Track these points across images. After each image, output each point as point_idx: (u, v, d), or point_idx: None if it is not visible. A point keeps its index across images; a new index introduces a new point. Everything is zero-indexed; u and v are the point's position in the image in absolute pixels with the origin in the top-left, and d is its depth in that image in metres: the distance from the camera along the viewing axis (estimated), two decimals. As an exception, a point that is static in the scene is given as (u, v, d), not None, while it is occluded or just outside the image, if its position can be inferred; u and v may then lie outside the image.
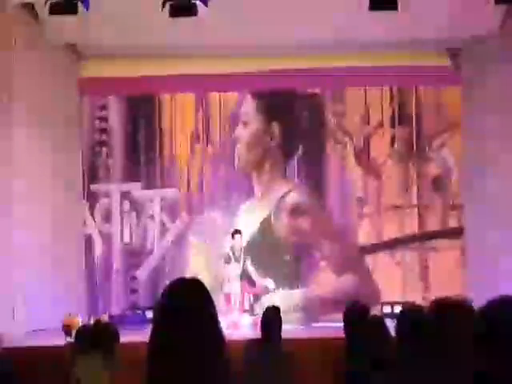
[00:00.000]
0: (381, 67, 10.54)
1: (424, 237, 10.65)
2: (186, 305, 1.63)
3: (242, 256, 9.70)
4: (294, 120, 10.80)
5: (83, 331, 4.99)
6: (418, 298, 9.84)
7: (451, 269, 10.38)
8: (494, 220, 9.66)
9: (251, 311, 9.53)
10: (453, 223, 10.66)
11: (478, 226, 10.00)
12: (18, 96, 8.91)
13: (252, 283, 9.89)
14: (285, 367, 4.65)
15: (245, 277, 9.67)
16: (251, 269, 9.84)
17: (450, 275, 10.24)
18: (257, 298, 9.76)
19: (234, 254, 9.72)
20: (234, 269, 9.63)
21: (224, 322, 8.76)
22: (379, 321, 3.94)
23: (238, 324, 9.17)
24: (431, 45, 10.25)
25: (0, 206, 8.55)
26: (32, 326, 8.73)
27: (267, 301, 8.81)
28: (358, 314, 4.17)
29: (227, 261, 9.71)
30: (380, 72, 10.54)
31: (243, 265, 9.67)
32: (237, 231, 9.78)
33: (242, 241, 9.76)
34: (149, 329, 1.80)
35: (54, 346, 7.01)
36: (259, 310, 8.89)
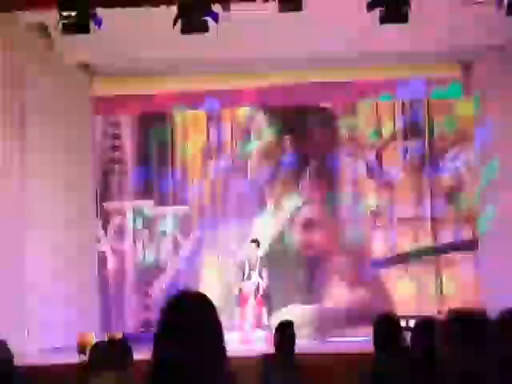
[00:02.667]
0: (392, 80, 10.55)
1: (438, 249, 10.59)
2: (186, 317, 1.62)
3: (259, 266, 9.68)
4: (306, 133, 10.81)
5: (97, 348, 4.98)
6: (432, 311, 9.75)
7: (466, 281, 10.31)
8: (508, 232, 9.58)
9: (265, 326, 9.49)
10: (467, 235, 10.60)
11: (492, 238, 9.92)
12: (32, 114, 8.98)
13: (266, 297, 9.84)
14: (298, 382, 4.62)
15: (259, 291, 9.66)
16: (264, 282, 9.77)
17: (464, 288, 10.17)
18: (270, 312, 9.72)
19: (249, 264, 9.71)
20: (249, 283, 9.62)
21: (237, 337, 8.76)
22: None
23: (251, 339, 9.14)
24: (443, 57, 10.24)
25: (13, 225, 8.58)
26: (45, 344, 8.74)
27: (280, 315, 8.77)
28: (390, 326, 4.07)
29: (241, 269, 9.72)
30: (391, 84, 10.55)
31: (258, 278, 9.66)
32: (253, 241, 9.79)
33: (259, 250, 9.76)
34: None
35: (67, 364, 7.00)
36: (273, 324, 8.85)
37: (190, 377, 1.57)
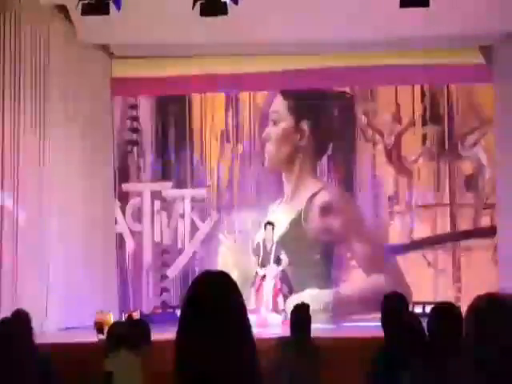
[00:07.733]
0: (412, 65, 10.46)
1: (456, 236, 10.54)
2: (212, 294, 1.65)
3: (274, 249, 9.72)
4: (325, 119, 10.77)
5: (115, 328, 5.04)
6: (450, 298, 9.71)
7: (484, 269, 10.25)
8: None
9: (281, 310, 9.52)
10: (485, 222, 10.53)
11: (511, 224, 9.85)
12: (51, 96, 9.03)
13: (283, 282, 9.87)
14: (314, 365, 4.64)
15: (276, 275, 9.69)
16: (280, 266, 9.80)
17: (482, 275, 10.11)
18: (287, 296, 9.75)
19: (265, 246, 9.75)
20: (266, 267, 9.67)
21: (253, 320, 8.80)
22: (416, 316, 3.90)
23: (267, 322, 9.17)
24: (463, 42, 10.14)
25: (32, 205, 8.66)
26: (64, 323, 8.83)
27: (297, 300, 8.79)
28: (397, 302, 4.08)
29: (256, 252, 9.77)
30: (411, 70, 10.46)
31: (274, 263, 9.70)
32: (269, 223, 9.83)
33: (274, 233, 9.80)
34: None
35: (86, 342, 7.08)
36: (289, 309, 8.88)
37: (216, 351, 1.60)
